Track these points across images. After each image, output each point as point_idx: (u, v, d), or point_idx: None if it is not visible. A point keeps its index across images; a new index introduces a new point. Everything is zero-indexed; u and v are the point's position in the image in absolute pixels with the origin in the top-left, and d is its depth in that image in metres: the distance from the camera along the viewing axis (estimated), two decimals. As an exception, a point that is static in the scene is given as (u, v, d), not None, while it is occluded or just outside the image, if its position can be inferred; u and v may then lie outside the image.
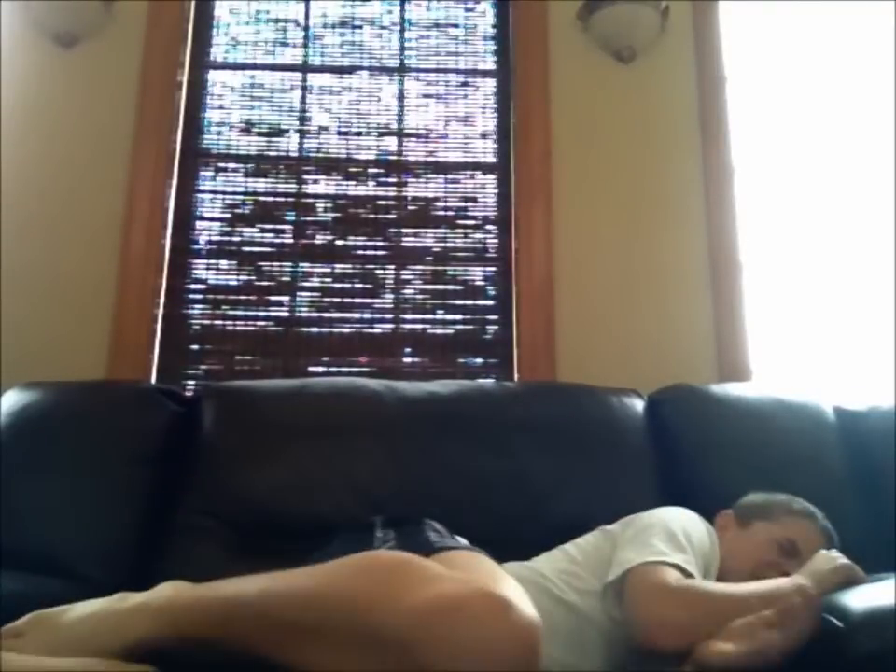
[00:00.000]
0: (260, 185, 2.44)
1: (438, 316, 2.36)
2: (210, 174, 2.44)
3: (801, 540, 1.31)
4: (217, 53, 2.55)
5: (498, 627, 0.79)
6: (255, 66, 2.54)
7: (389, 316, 2.35)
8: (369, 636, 0.82)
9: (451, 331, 2.35)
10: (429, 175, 2.48)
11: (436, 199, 2.45)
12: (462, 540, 1.29)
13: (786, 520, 1.36)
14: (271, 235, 2.40)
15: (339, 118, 2.51)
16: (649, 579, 1.15)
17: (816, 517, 1.38)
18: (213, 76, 2.53)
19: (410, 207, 2.45)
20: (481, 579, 0.89)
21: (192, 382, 2.26)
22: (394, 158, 2.49)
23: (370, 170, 2.47)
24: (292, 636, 0.88)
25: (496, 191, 2.47)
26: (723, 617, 1.06)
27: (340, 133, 2.50)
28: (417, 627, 0.79)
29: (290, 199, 2.43)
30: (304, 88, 2.53)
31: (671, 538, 1.22)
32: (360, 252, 2.40)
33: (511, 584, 0.90)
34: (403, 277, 2.39)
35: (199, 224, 2.40)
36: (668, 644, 1.08)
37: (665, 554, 1.18)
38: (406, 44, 2.59)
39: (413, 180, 2.47)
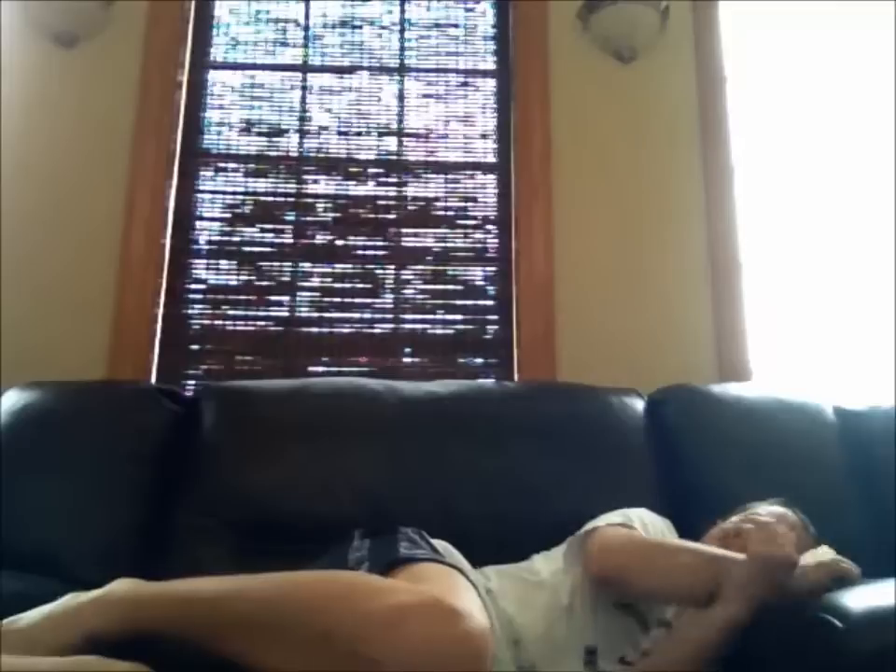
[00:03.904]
0: (260, 185, 2.44)
1: (438, 316, 2.36)
2: (210, 174, 2.44)
3: (770, 512, 1.37)
4: (216, 53, 2.55)
5: (446, 635, 0.85)
6: (255, 66, 2.54)
7: (389, 316, 2.35)
8: (321, 636, 0.87)
9: (451, 331, 2.35)
10: (429, 175, 2.48)
11: (436, 199, 2.45)
12: (445, 545, 1.30)
13: (759, 507, 1.42)
14: (271, 235, 2.40)
15: (339, 118, 2.51)
16: (601, 532, 1.31)
17: (791, 507, 1.43)
18: (213, 76, 2.53)
19: (410, 207, 2.45)
20: (434, 590, 0.95)
21: (192, 382, 2.26)
22: (394, 158, 2.49)
23: (370, 170, 2.47)
24: (245, 632, 0.91)
25: (496, 191, 2.47)
26: (652, 554, 1.25)
27: (340, 133, 2.50)
28: (371, 631, 0.84)
29: (290, 199, 2.43)
30: (304, 88, 2.53)
31: (613, 517, 1.39)
32: (360, 252, 2.40)
33: (465, 596, 0.97)
34: (403, 277, 2.39)
35: (199, 224, 2.39)
36: (604, 568, 1.25)
37: (609, 521, 1.36)
38: (406, 44, 2.59)
39: (413, 180, 2.47)
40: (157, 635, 0.95)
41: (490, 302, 2.38)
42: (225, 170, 2.45)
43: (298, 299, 2.35)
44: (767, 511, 1.38)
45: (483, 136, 2.52)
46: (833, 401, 1.88)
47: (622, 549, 1.27)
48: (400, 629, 0.84)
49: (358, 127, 2.51)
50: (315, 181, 2.45)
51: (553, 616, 1.27)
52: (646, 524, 1.37)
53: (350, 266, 2.38)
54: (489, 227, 2.44)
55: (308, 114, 2.51)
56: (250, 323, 2.32)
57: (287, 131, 2.49)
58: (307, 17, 2.59)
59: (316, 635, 0.87)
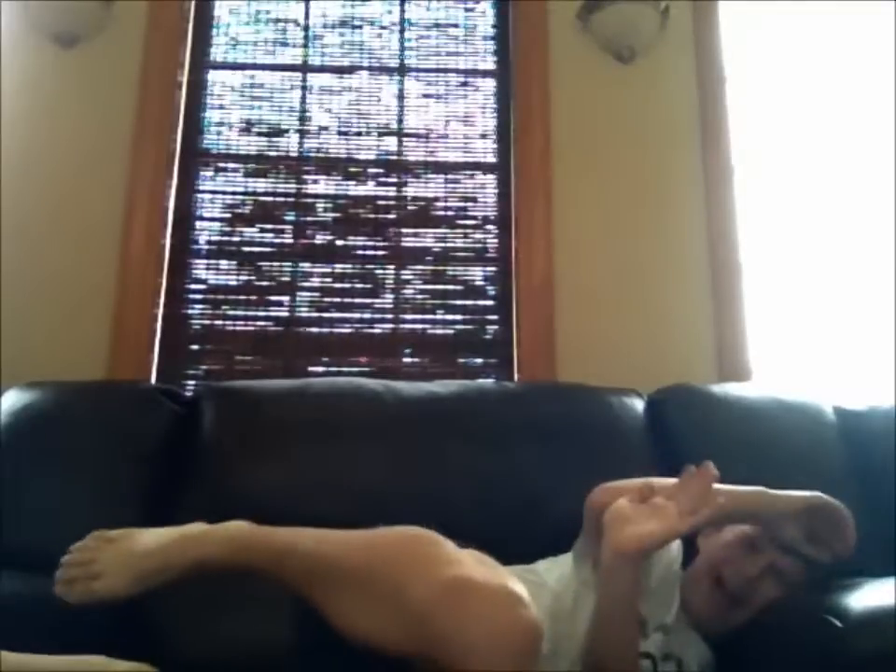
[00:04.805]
0: (260, 185, 2.44)
1: (438, 316, 2.36)
2: (210, 174, 2.44)
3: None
4: (217, 53, 2.55)
5: (510, 618, 0.88)
6: (255, 66, 2.54)
7: (389, 316, 2.35)
8: (396, 591, 0.93)
9: (451, 331, 2.35)
10: (429, 175, 2.48)
11: (436, 199, 2.45)
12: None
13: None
14: (271, 235, 2.40)
15: (339, 118, 2.51)
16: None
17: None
18: (213, 76, 2.53)
19: (410, 207, 2.45)
20: (499, 573, 0.99)
21: (192, 382, 2.26)
22: (394, 158, 2.49)
23: (370, 170, 2.47)
24: (337, 584, 1.00)
25: (496, 191, 2.47)
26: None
27: (340, 133, 2.50)
28: (439, 599, 0.89)
29: (290, 199, 2.43)
30: (304, 88, 2.53)
31: None
32: (360, 252, 2.40)
33: (521, 585, 0.97)
34: (403, 277, 2.39)
35: (199, 224, 2.39)
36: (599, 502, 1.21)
37: None
38: (406, 44, 2.59)
39: (413, 180, 2.47)
40: (257, 572, 1.07)
41: (490, 302, 2.38)
42: (225, 170, 2.45)
43: (298, 299, 2.35)
44: None
45: (483, 136, 2.52)
46: (832, 401, 1.88)
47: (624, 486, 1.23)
48: (467, 603, 0.88)
49: (358, 127, 2.51)
50: (315, 181, 2.45)
51: (555, 618, 1.27)
52: None
53: (350, 266, 2.38)
54: (489, 227, 2.44)
55: (308, 114, 2.51)
56: (250, 323, 2.32)
57: (286, 131, 2.49)
58: (307, 17, 2.59)
59: (392, 589, 0.93)
